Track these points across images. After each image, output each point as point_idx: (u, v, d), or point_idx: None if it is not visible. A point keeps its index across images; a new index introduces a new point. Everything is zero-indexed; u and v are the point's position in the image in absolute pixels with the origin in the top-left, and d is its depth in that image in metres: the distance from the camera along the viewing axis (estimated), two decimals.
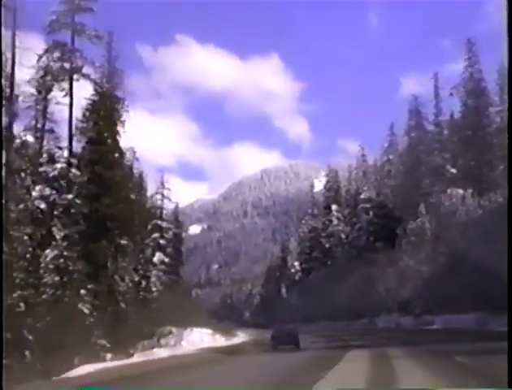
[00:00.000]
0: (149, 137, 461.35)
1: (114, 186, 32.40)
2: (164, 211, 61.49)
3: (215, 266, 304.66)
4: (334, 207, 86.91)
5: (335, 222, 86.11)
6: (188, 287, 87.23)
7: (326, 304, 73.81)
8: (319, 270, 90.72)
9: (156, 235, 59.55)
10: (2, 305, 15.48)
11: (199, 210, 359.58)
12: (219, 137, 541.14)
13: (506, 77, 10.86)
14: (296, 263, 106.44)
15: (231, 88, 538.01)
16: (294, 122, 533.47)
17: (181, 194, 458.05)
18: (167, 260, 58.90)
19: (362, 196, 70.80)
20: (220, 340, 40.95)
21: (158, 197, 60.98)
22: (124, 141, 35.52)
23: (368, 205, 67.77)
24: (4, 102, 25.31)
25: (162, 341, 33.47)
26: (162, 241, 59.49)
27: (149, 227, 60.35)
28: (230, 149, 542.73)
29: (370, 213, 66.71)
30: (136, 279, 38.08)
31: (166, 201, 60.60)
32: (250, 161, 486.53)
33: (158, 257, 58.99)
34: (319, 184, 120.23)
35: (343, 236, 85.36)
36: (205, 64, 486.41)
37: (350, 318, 66.33)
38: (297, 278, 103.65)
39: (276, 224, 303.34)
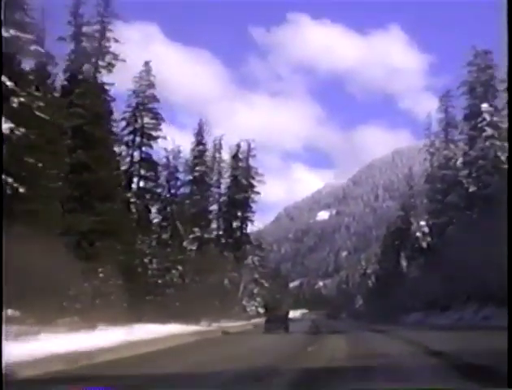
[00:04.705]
0: (273, 122, 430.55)
1: None
2: None
3: (344, 253, 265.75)
4: (485, 107, 45.03)
5: (488, 132, 44.25)
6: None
7: (467, 280, 33.36)
8: (457, 225, 49.40)
9: None
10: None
11: (327, 195, 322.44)
12: (343, 119, 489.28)
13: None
14: (422, 223, 65.00)
15: (352, 65, 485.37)
16: (422, 98, 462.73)
17: (308, 180, 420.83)
18: None
19: None
20: None
21: None
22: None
23: None
24: None
25: None
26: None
27: None
28: (356, 131, 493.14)
29: None
30: None
31: None
32: (378, 142, 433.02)
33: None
34: None
35: (501, 156, 43.39)
36: (322, 42, 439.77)
37: None
38: (423, 244, 62.34)
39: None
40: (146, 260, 33.37)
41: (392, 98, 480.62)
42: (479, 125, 45.17)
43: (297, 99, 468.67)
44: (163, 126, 44.52)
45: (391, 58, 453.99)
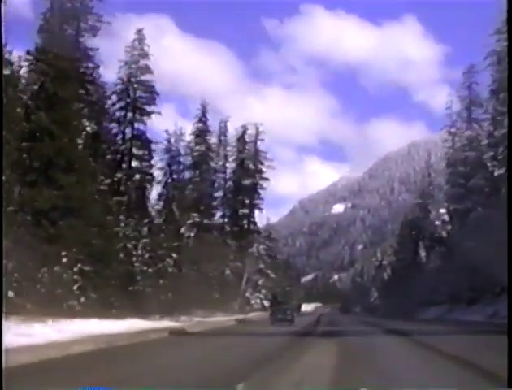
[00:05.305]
0: (286, 114, 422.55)
1: None
2: None
3: (360, 247, 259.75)
4: None
5: None
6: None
7: (500, 269, 28.50)
8: (482, 210, 44.66)
9: None
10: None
11: (343, 188, 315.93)
12: (357, 111, 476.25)
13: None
14: (442, 210, 60.15)
15: (366, 57, 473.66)
16: (437, 90, 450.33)
17: (323, 173, 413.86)
18: None
19: None
20: None
21: None
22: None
23: None
24: None
25: None
26: None
27: None
28: (370, 124, 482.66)
29: None
30: None
31: None
32: (394, 135, 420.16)
33: None
34: None
35: None
36: (336, 34, 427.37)
37: None
38: (443, 233, 57.51)
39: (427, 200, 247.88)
40: (130, 245, 29.10)
41: (406, 90, 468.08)
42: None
43: (310, 92, 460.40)
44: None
45: (405, 49, 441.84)
